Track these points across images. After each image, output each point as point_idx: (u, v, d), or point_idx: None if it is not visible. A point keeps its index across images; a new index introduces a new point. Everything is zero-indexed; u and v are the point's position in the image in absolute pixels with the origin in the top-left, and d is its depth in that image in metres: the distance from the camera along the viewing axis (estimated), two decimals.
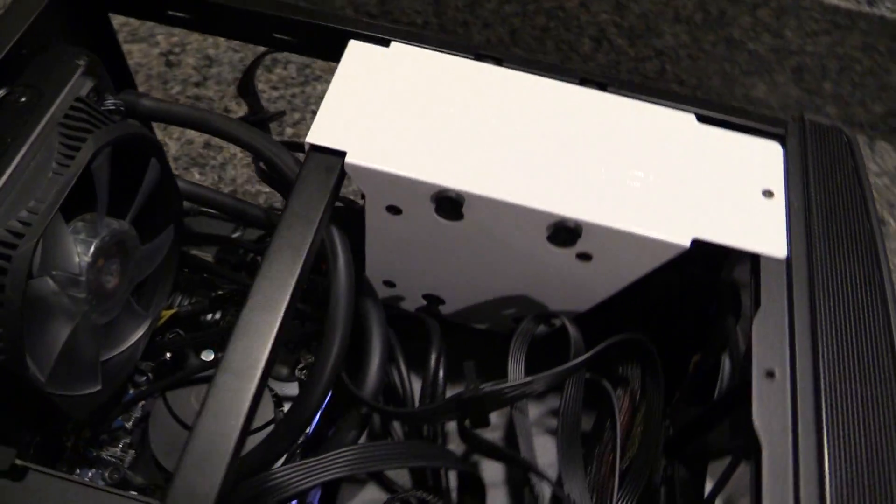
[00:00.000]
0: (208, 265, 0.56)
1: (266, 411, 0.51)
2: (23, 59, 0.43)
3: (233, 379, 0.32)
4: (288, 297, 0.35)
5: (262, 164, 0.51)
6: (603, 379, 0.44)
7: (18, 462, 0.41)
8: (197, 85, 0.75)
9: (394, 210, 0.41)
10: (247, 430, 0.32)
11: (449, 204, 0.39)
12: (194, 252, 0.59)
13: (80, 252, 0.43)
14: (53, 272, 0.42)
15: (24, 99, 0.42)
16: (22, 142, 0.40)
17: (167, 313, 0.55)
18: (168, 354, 0.55)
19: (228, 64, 0.76)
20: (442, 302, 0.49)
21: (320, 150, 0.39)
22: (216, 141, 0.71)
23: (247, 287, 0.55)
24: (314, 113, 0.75)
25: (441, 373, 0.43)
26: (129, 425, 0.53)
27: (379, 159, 0.38)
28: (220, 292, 0.56)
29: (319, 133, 0.39)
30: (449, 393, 0.44)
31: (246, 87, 0.51)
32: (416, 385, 0.45)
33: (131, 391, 0.54)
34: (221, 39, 0.76)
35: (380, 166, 0.38)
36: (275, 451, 0.40)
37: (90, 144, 0.41)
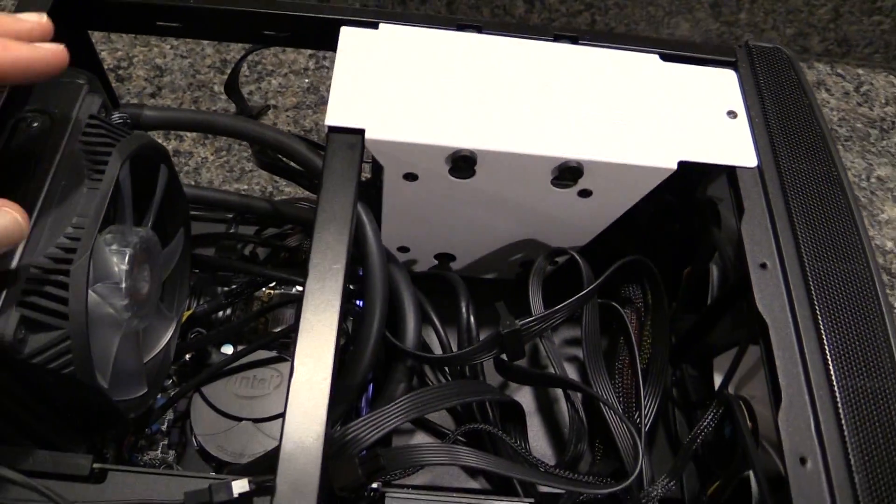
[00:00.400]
0: (219, 262, 0.59)
1: None
2: (23, 87, 0.45)
3: (312, 348, 0.36)
4: (344, 266, 0.38)
5: (261, 154, 0.54)
6: (612, 302, 0.49)
7: (97, 465, 0.43)
8: (153, 96, 0.75)
9: (411, 177, 0.45)
10: (335, 388, 0.36)
11: (463, 163, 0.43)
12: (195, 252, 0.61)
13: (116, 262, 0.45)
14: (97, 284, 0.44)
15: (36, 125, 0.43)
16: (47, 165, 0.42)
17: (185, 314, 0.57)
18: (187, 356, 0.58)
19: (179, 71, 0.77)
20: (453, 258, 0.53)
21: (340, 130, 0.42)
22: (185, 147, 0.72)
23: (258, 276, 0.58)
24: (274, 107, 0.78)
25: (472, 319, 0.47)
26: (164, 428, 0.55)
27: (396, 131, 0.42)
28: (232, 286, 0.59)
29: (336, 115, 0.42)
30: (480, 337, 0.48)
31: (232, 87, 0.53)
32: (450, 335, 0.49)
33: (160, 396, 0.56)
34: (167, 48, 0.77)
35: (398, 138, 0.42)
36: (339, 412, 0.44)
37: (116, 157, 0.42)
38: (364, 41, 0.46)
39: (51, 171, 0.41)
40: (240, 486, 0.41)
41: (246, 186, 0.71)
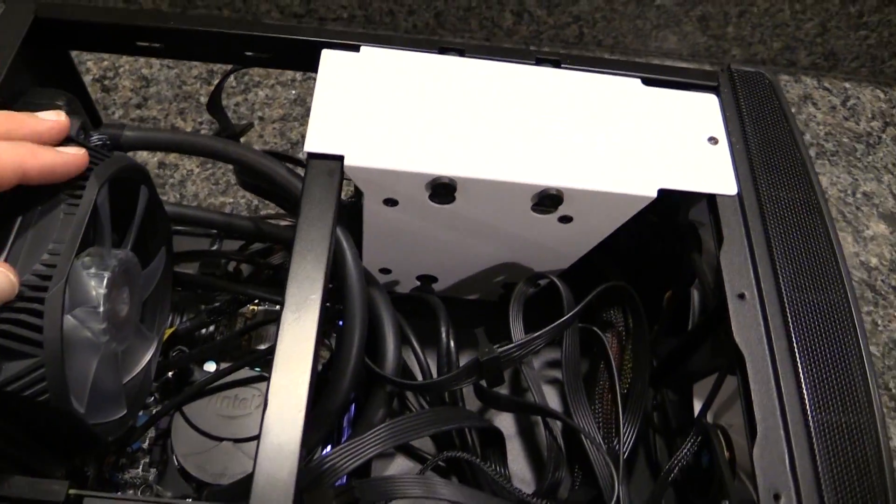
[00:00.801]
0: (201, 280, 0.58)
1: None
2: (4, 108, 0.44)
3: (287, 375, 0.36)
4: (321, 296, 0.38)
5: (243, 175, 0.54)
6: (593, 326, 0.49)
7: (72, 492, 0.43)
8: (138, 107, 0.75)
9: (391, 202, 0.44)
10: (309, 420, 0.35)
11: (443, 189, 0.43)
12: (177, 270, 0.61)
13: (94, 285, 0.45)
14: (75, 309, 0.43)
15: None
16: (23, 189, 0.41)
17: (167, 332, 0.57)
18: (170, 374, 0.57)
19: (166, 81, 0.76)
20: (435, 280, 0.53)
21: (319, 156, 0.42)
22: (170, 159, 0.72)
23: (241, 294, 0.58)
24: (261, 119, 0.77)
25: (452, 344, 0.47)
26: (145, 446, 0.55)
27: (375, 158, 0.42)
28: (215, 304, 0.59)
29: (316, 141, 0.42)
30: (460, 362, 0.48)
31: (215, 105, 0.53)
32: (430, 359, 0.49)
33: (142, 414, 0.56)
34: (154, 59, 0.77)
35: (377, 164, 0.42)
36: (317, 438, 0.44)
37: (94, 181, 0.42)
38: (345, 64, 0.45)
39: (25, 197, 0.41)
40: None
41: (231, 200, 0.71)
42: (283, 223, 0.60)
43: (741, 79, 0.49)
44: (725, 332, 0.41)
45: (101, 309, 0.45)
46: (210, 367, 0.58)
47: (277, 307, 0.60)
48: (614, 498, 0.39)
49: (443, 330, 0.47)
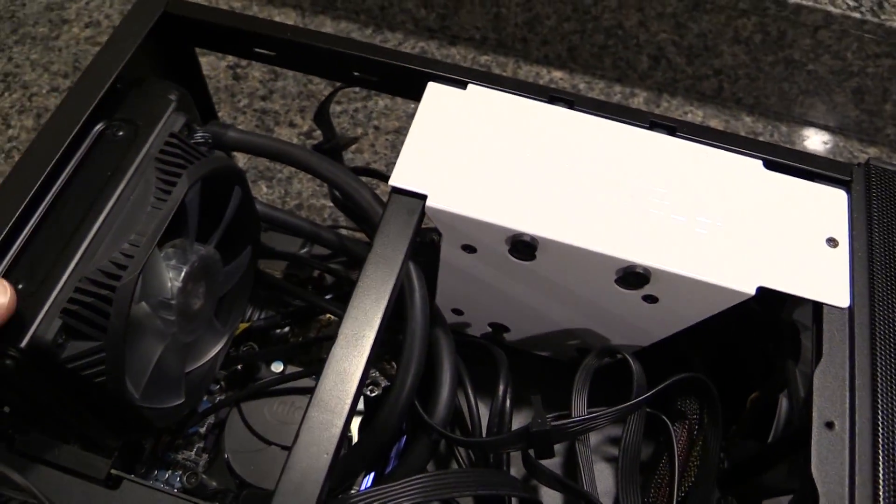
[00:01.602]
0: (280, 284, 0.59)
1: None
2: (118, 93, 0.46)
3: (323, 413, 0.35)
4: (373, 336, 0.37)
5: (334, 192, 0.54)
6: (662, 415, 0.46)
7: (113, 472, 0.44)
8: (263, 98, 0.77)
9: (469, 249, 0.43)
10: (336, 463, 0.35)
11: (523, 246, 0.41)
12: (263, 266, 0.62)
13: (171, 277, 0.46)
14: (149, 298, 0.44)
15: (121, 133, 0.45)
16: (120, 176, 0.43)
17: (242, 327, 0.58)
18: (239, 366, 0.58)
19: (293, 78, 0.78)
20: (507, 330, 0.51)
21: (402, 192, 0.41)
22: None
23: (315, 304, 0.58)
24: (376, 128, 0.78)
25: (508, 404, 0.45)
26: (202, 431, 0.56)
27: (458, 203, 0.40)
28: (290, 308, 0.59)
29: (402, 176, 0.41)
30: (514, 421, 0.46)
31: (322, 117, 0.53)
32: (483, 410, 0.48)
33: (206, 400, 0.57)
34: None
35: (459, 210, 0.40)
36: (351, 472, 0.43)
37: (185, 180, 0.43)
38: (448, 100, 0.44)
39: (121, 184, 0.42)
40: None
41: (331, 205, 0.71)
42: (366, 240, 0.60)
43: (879, 177, 0.44)
44: (805, 459, 0.37)
45: (174, 301, 0.46)
46: (277, 367, 0.59)
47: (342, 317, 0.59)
48: None
49: (500, 387, 0.45)
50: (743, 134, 0.78)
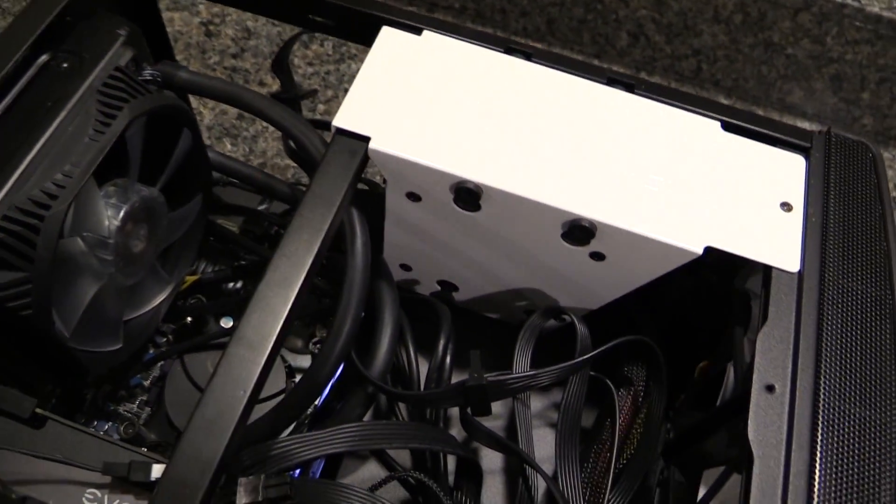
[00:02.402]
0: (232, 235, 0.58)
1: (278, 381, 0.53)
2: (66, 25, 0.45)
3: (245, 349, 0.34)
4: (303, 275, 0.36)
5: (290, 142, 0.52)
6: (606, 378, 0.45)
7: (38, 411, 0.43)
8: (234, 56, 0.76)
9: (413, 197, 0.42)
10: (255, 399, 0.33)
11: (467, 195, 0.39)
12: (221, 221, 0.60)
13: (110, 216, 0.44)
14: (84, 234, 0.43)
15: (65, 65, 0.43)
16: (60, 107, 0.41)
17: (191, 279, 0.56)
18: (189, 319, 0.57)
19: (266, 37, 0.77)
20: (456, 289, 0.50)
21: (346, 133, 0.40)
22: (248, 114, 0.72)
23: (267, 259, 0.56)
24: (346, 91, 0.76)
25: (448, 358, 0.44)
26: (146, 383, 0.55)
27: (402, 147, 0.39)
28: (242, 262, 0.58)
29: (346, 117, 0.40)
30: (455, 378, 0.45)
31: (280, 65, 0.52)
32: (423, 367, 0.46)
33: (151, 351, 0.56)
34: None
35: (402, 153, 0.39)
36: (282, 421, 0.42)
37: (125, 113, 0.42)
38: (401, 45, 0.43)
39: (60, 115, 0.41)
40: (159, 470, 0.40)
41: (297, 165, 0.70)
42: None
43: (839, 146, 0.43)
44: (743, 423, 0.36)
45: (111, 240, 0.44)
46: (227, 323, 0.57)
47: None
48: None
49: (441, 342, 0.44)
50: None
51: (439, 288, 0.51)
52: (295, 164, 0.71)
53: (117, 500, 0.40)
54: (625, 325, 0.47)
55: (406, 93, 0.41)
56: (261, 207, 0.62)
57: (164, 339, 0.57)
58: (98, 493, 0.40)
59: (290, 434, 0.43)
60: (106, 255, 0.44)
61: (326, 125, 0.56)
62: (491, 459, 0.47)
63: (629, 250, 0.40)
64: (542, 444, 0.47)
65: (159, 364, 0.55)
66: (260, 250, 0.57)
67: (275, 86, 0.75)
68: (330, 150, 0.39)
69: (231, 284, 0.59)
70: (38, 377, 0.47)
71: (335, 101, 0.72)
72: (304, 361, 0.56)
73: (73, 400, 0.53)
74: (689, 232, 0.39)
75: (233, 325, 0.57)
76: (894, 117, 0.76)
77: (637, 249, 0.40)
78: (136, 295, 0.51)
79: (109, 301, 0.46)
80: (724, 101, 0.78)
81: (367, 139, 0.39)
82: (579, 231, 0.39)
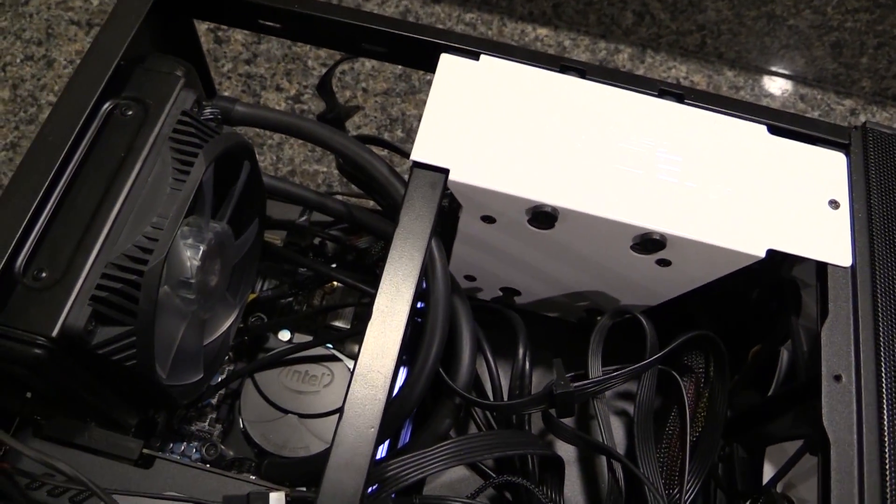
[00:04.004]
0: (287, 254, 0.59)
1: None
2: (122, 70, 0.45)
3: (367, 388, 0.36)
4: (407, 310, 0.38)
5: (343, 162, 0.54)
6: (672, 370, 0.48)
7: (146, 451, 0.45)
8: (248, 62, 0.76)
9: (488, 219, 0.44)
10: (382, 434, 0.36)
11: (544, 217, 0.42)
12: (266, 237, 0.62)
13: (189, 256, 0.46)
14: (169, 278, 0.45)
15: (130, 113, 0.44)
16: (135, 157, 0.42)
17: (250, 298, 0.58)
18: (246, 336, 0.59)
19: (277, 40, 0.77)
20: (518, 294, 0.53)
21: (424, 166, 0.41)
22: None
23: (322, 273, 0.58)
24: (364, 90, 0.77)
25: (527, 366, 0.47)
26: (214, 401, 0.57)
27: (480, 176, 0.41)
28: (297, 277, 0.60)
29: (423, 150, 0.41)
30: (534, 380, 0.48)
31: (324, 87, 0.53)
32: (502, 372, 0.49)
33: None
34: None
35: (482, 184, 0.41)
36: (378, 440, 0.44)
37: (202, 160, 0.43)
38: (462, 72, 0.44)
39: (137, 165, 0.42)
40: (276, 499, 0.43)
41: (325, 169, 0.71)
42: (370, 203, 0.60)
43: (876, 140, 0.46)
44: (814, 410, 0.39)
45: (194, 280, 0.46)
46: (284, 335, 0.59)
47: (352, 286, 0.60)
48: None
49: (520, 351, 0.47)
50: (725, 88, 0.80)
51: (501, 293, 0.53)
52: (325, 169, 0.72)
53: None
54: (680, 317, 0.50)
55: (474, 120, 0.43)
56: (301, 219, 0.64)
57: (226, 357, 0.59)
58: None
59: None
60: (189, 294, 0.46)
61: (375, 140, 0.57)
62: (567, 452, 0.51)
63: (695, 257, 0.43)
64: (617, 435, 0.50)
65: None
66: (314, 265, 0.59)
67: (293, 90, 0.75)
68: (411, 185, 0.41)
69: (284, 300, 0.61)
70: (124, 413, 0.49)
71: (354, 101, 0.73)
72: None
73: (147, 425, 0.55)
74: (750, 236, 0.42)
75: (290, 339, 0.59)
76: (892, 79, 0.80)
77: (703, 256, 0.43)
78: (209, 323, 0.52)
79: (192, 336, 0.48)
80: (729, 73, 0.80)
81: (445, 171, 0.41)
82: (650, 243, 0.42)
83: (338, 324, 0.61)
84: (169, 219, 0.41)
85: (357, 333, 0.58)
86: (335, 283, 0.61)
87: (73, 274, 0.39)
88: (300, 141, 0.72)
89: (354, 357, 0.58)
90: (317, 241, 0.63)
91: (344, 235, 0.62)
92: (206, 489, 0.44)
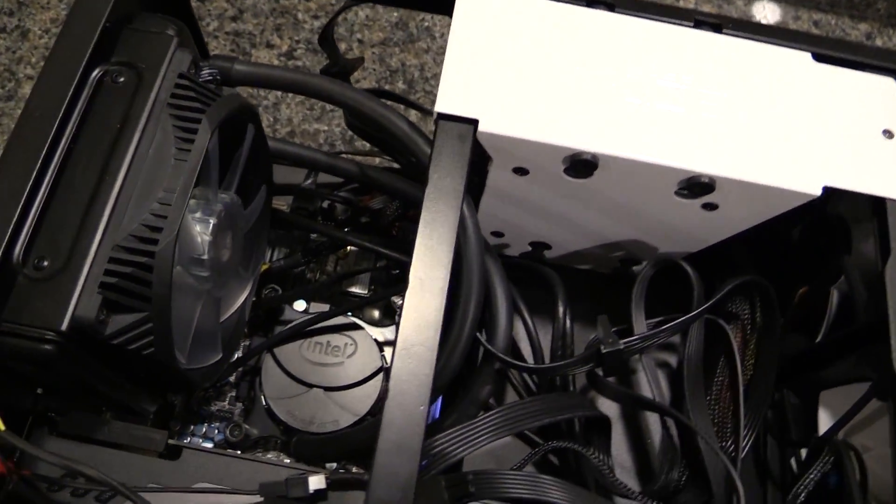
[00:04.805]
0: (301, 222, 0.56)
1: (374, 360, 0.53)
2: (109, 33, 0.41)
3: (413, 363, 0.33)
4: (446, 276, 0.35)
5: (352, 118, 0.50)
6: (719, 319, 0.45)
7: (171, 442, 0.42)
8: (234, 19, 0.71)
9: (520, 171, 0.41)
10: (428, 408, 0.33)
11: (582, 165, 0.39)
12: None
13: (199, 231, 0.42)
14: (181, 257, 0.41)
15: (122, 79, 0.40)
16: (132, 127, 0.39)
17: (262, 268, 0.55)
18: (259, 310, 0.56)
19: None
20: (548, 248, 0.50)
21: (451, 118, 0.38)
22: None
23: (338, 238, 0.55)
24: (360, 42, 0.73)
25: (569, 325, 0.45)
26: (232, 379, 0.54)
27: (512, 125, 0.38)
28: (310, 244, 0.56)
29: (448, 101, 0.38)
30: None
31: (326, 39, 0.49)
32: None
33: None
34: None
35: (515, 133, 0.38)
36: None
37: (205, 126, 0.39)
38: (482, 11, 0.41)
39: (135, 136, 0.38)
40: (316, 482, 0.40)
41: (326, 127, 0.67)
42: (377, 161, 0.57)
43: None
44: (880, 353, 0.37)
45: (206, 257, 0.43)
46: (300, 305, 0.56)
47: (369, 250, 0.57)
48: None
49: (560, 309, 0.44)
50: (736, 15, 0.76)
51: (530, 249, 0.50)
52: (325, 128, 0.68)
53: None
54: (720, 263, 0.48)
55: (499, 63, 0.39)
56: (306, 182, 0.60)
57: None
58: None
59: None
60: (202, 272, 0.43)
61: (382, 93, 0.54)
62: (610, 410, 0.49)
63: (745, 199, 0.40)
64: (665, 389, 0.48)
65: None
66: (329, 230, 0.55)
67: (284, 46, 0.71)
68: (439, 139, 0.38)
69: (297, 268, 0.58)
70: (141, 401, 0.46)
71: (350, 55, 0.69)
72: (389, 334, 0.56)
73: (165, 409, 0.53)
74: (803, 173, 0.39)
75: (307, 308, 0.56)
76: None
77: (753, 197, 0.40)
78: (223, 300, 0.49)
79: (209, 316, 0.45)
80: (739, 2, 0.76)
81: (474, 121, 0.38)
82: (697, 187, 0.39)
83: (355, 290, 0.58)
84: (177, 192, 0.38)
85: (378, 299, 0.55)
86: (348, 248, 0.58)
87: (77, 260, 0.36)
88: (297, 100, 0.68)
89: (375, 323, 0.56)
90: (325, 204, 0.60)
91: (354, 197, 0.58)
92: (240, 477, 0.41)
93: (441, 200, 0.36)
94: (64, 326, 0.35)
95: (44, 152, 0.36)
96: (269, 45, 0.70)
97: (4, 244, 0.35)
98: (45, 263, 0.36)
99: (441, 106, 0.38)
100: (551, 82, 0.39)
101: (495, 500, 0.35)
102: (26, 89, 0.67)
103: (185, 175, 0.38)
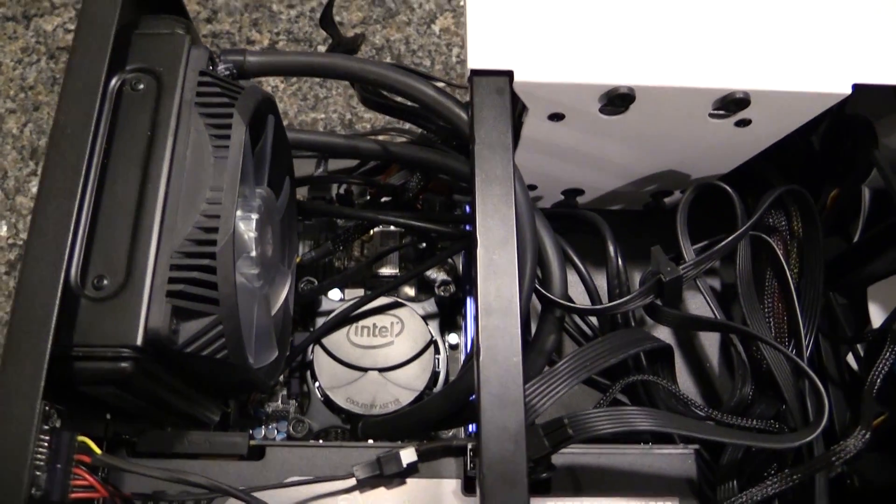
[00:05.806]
0: (327, 209, 0.56)
1: (424, 334, 0.53)
2: (118, 41, 0.40)
3: (499, 319, 0.33)
4: (514, 228, 0.35)
5: (366, 93, 0.49)
6: (761, 234, 0.46)
7: (253, 443, 0.42)
8: (209, 21, 0.70)
9: (556, 117, 0.41)
10: (520, 364, 0.33)
11: (619, 100, 0.39)
12: None
13: (245, 229, 0.42)
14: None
15: (141, 86, 0.39)
16: (164, 133, 0.38)
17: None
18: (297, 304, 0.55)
19: None
20: (581, 193, 0.50)
21: (485, 73, 0.38)
22: None
23: (373, 219, 0.54)
24: (340, 23, 0.72)
25: (621, 263, 0.45)
26: (282, 378, 0.54)
27: (547, 70, 0.38)
28: (338, 232, 0.56)
29: (480, 56, 0.38)
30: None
31: (327, 18, 0.48)
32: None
33: None
34: None
35: (550, 78, 0.38)
36: None
37: (238, 119, 0.39)
38: None
39: (168, 142, 0.38)
40: (407, 455, 0.40)
41: (323, 116, 0.67)
42: (398, 139, 0.56)
43: None
44: None
45: (255, 253, 0.42)
46: (335, 294, 0.56)
47: (393, 228, 0.57)
48: (824, 419, 0.37)
49: (611, 249, 0.45)
50: None
51: (563, 198, 0.51)
52: (322, 116, 0.67)
53: (372, 499, 0.40)
54: (749, 178, 0.48)
55: (522, 10, 0.39)
56: (318, 171, 0.59)
57: None
58: (350, 497, 0.40)
59: None
60: (253, 269, 0.43)
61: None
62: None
63: (779, 109, 0.41)
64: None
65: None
66: (364, 214, 0.55)
67: (265, 40, 0.70)
68: (477, 96, 0.37)
69: (329, 257, 0.57)
70: (206, 410, 0.46)
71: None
72: (429, 307, 0.56)
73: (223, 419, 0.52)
74: (831, 73, 0.39)
75: (342, 297, 0.56)
76: None
77: (787, 105, 0.40)
78: (269, 297, 0.49)
79: (263, 314, 0.45)
80: None
81: (509, 73, 0.38)
82: (732, 104, 0.39)
83: (385, 270, 0.58)
84: (225, 190, 0.37)
85: (415, 276, 0.55)
86: (371, 231, 0.58)
87: (137, 273, 0.35)
88: (290, 92, 0.67)
89: (412, 300, 0.56)
90: (342, 190, 0.59)
91: (370, 179, 0.58)
92: (327, 464, 0.41)
93: (493, 157, 0.36)
94: (139, 341, 0.34)
95: (83, 171, 0.35)
96: (250, 42, 0.69)
97: (63, 269, 0.34)
98: (105, 282, 0.35)
99: (473, 62, 0.38)
100: (576, 21, 0.39)
101: (590, 439, 0.35)
102: (10, 123, 0.65)
103: (230, 171, 0.38)
